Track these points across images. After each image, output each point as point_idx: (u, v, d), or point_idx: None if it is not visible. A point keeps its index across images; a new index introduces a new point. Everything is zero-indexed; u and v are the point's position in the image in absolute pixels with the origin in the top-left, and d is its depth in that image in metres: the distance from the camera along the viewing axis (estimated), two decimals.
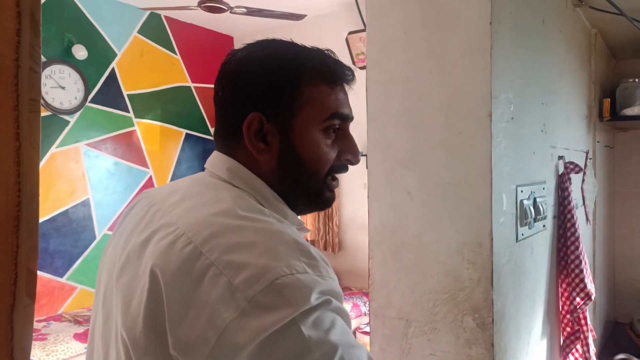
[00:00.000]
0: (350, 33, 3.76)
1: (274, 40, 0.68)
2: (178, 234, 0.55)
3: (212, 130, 5.05)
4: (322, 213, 4.58)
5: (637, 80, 1.82)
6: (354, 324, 3.90)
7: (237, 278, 0.50)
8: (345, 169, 0.70)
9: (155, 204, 0.64)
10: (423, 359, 0.98)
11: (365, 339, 3.23)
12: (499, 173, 0.92)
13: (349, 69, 0.68)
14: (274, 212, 0.63)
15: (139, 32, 4.18)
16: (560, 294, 1.39)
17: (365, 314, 3.85)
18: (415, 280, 0.99)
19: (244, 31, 4.95)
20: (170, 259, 0.53)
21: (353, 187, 4.47)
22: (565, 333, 1.41)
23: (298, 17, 3.40)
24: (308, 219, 4.66)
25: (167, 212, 0.60)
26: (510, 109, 0.97)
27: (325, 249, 4.61)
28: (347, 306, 3.98)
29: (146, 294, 0.53)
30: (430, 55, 0.94)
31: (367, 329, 2.86)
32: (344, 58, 3.76)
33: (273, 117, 0.63)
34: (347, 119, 0.68)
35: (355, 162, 0.69)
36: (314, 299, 0.50)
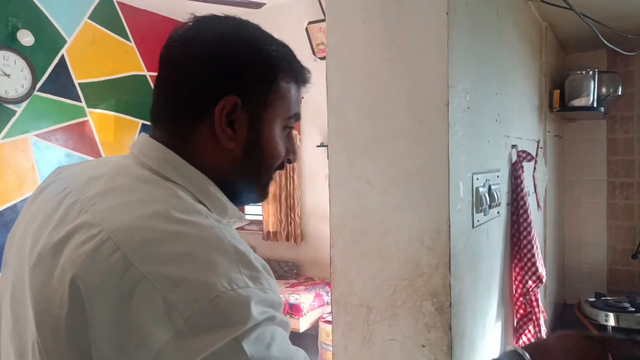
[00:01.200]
0: (310, 23, 3.74)
1: (241, 21, 0.64)
2: (102, 238, 0.49)
3: None
4: (284, 204, 4.57)
5: (584, 72, 1.90)
6: (317, 313, 3.93)
7: (172, 294, 0.45)
8: (283, 167, 0.70)
9: (71, 192, 0.58)
10: (384, 344, 1.00)
11: (328, 328, 3.27)
12: (456, 161, 0.95)
13: (309, 71, 0.69)
14: (213, 207, 0.60)
15: (90, 17, 4.00)
16: (513, 278, 1.45)
17: (328, 303, 3.89)
18: (376, 268, 1.00)
19: None
20: (93, 269, 0.47)
21: (315, 177, 4.48)
22: (518, 315, 1.47)
23: (257, 5, 3.35)
24: (270, 210, 4.65)
25: (87, 207, 0.54)
26: (466, 99, 1.00)
27: (287, 239, 4.61)
28: (310, 296, 4.00)
29: (67, 307, 0.47)
30: (389, 45, 0.95)
31: (330, 318, 2.89)
32: (305, 48, 3.75)
33: (247, 105, 0.60)
34: (299, 120, 0.69)
35: (294, 161, 0.70)
36: (256, 314, 0.48)
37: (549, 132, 1.95)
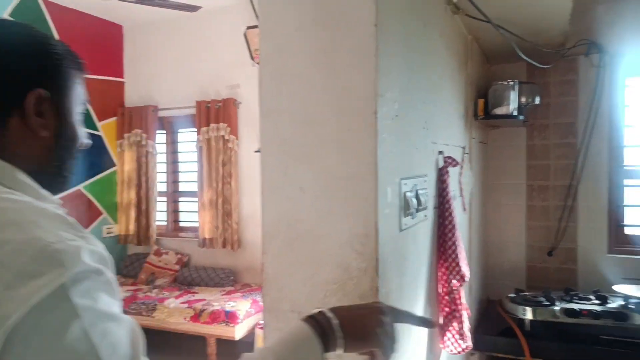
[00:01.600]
0: (248, 28, 3.71)
1: (25, 24, 0.70)
2: None
3: (98, 124, 4.72)
4: (221, 210, 4.49)
5: (505, 82, 2.03)
6: (254, 320, 3.89)
7: None
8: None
9: None
10: None
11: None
12: (384, 167, 0.98)
13: (83, 61, 0.76)
14: (26, 194, 0.62)
15: (11, 15, 3.73)
16: (439, 278, 1.52)
17: None
18: (308, 273, 1.01)
19: (134, 21, 4.65)
20: None
21: (252, 183, 4.44)
22: (444, 313, 1.55)
23: (193, 8, 3.28)
24: (206, 217, 4.55)
25: None
26: (395, 107, 1.04)
27: (224, 246, 4.54)
28: (247, 303, 3.96)
29: None
30: (321, 54, 0.97)
31: None
32: (243, 53, 3.70)
33: (52, 95, 0.67)
34: (86, 105, 0.77)
35: (87, 145, 0.77)
36: (87, 260, 0.51)
37: (474, 138, 2.06)
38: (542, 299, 2.14)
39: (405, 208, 1.12)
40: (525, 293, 2.25)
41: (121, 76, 4.96)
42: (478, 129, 2.22)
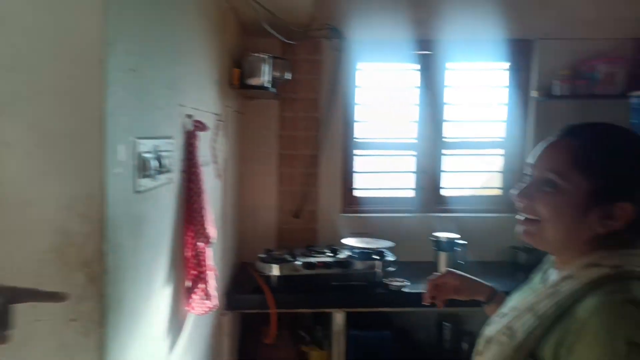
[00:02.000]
0: None
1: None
2: None
3: None
4: None
5: (259, 55, 2.13)
6: None
7: None
8: None
9: None
10: (27, 326, 0.89)
11: None
12: (114, 123, 0.91)
13: None
14: None
15: None
16: (186, 242, 1.52)
17: None
18: (17, 243, 0.87)
19: None
20: None
21: None
22: (191, 276, 1.56)
23: None
24: None
25: None
26: (129, 59, 0.96)
27: None
28: None
29: None
30: None
31: None
32: None
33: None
34: None
35: None
36: None
37: (228, 107, 2.10)
38: (287, 256, 2.36)
39: (142, 169, 1.07)
40: (273, 252, 2.45)
41: None
42: (234, 98, 2.28)
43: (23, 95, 0.83)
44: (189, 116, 1.47)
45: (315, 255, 2.40)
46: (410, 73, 2.76)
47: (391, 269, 2.33)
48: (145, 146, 1.09)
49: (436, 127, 2.78)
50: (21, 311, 0.89)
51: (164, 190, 1.27)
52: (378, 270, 2.30)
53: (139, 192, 1.06)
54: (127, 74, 0.96)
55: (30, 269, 0.88)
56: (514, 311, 0.88)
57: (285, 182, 2.75)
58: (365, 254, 2.34)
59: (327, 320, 2.36)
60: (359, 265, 2.30)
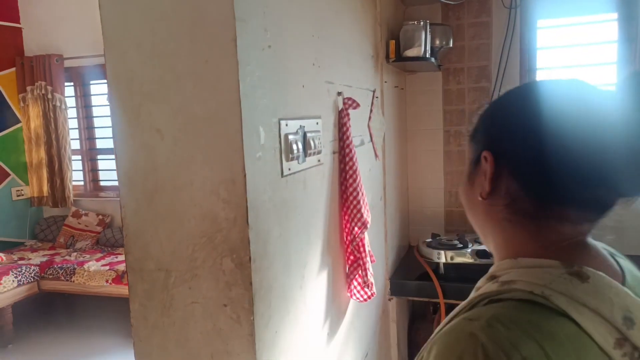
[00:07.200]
0: None
1: None
2: None
3: None
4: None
5: (416, 22, 1.95)
6: None
7: None
8: None
9: None
10: (185, 308, 0.92)
11: None
12: (253, 105, 0.87)
13: None
14: None
15: None
16: (343, 226, 1.46)
17: None
18: (172, 227, 0.90)
19: None
20: None
21: None
22: (349, 261, 1.50)
23: None
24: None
25: None
26: (265, 36, 0.91)
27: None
28: None
29: None
30: None
31: None
32: None
33: None
34: None
35: None
36: None
37: (386, 82, 1.98)
38: (456, 242, 2.17)
39: (288, 152, 1.02)
40: (440, 237, 2.28)
41: (17, 21, 4.41)
42: (392, 73, 2.14)
43: (166, 81, 0.84)
44: (339, 93, 1.39)
45: None
46: (606, 27, 2.24)
47: None
48: (290, 127, 1.04)
49: None
50: (180, 292, 0.92)
51: (314, 173, 1.21)
52: None
53: (284, 176, 1.02)
54: (263, 52, 0.91)
55: (185, 253, 0.91)
56: None
57: (452, 161, 2.52)
58: None
59: None
60: None
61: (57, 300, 4.11)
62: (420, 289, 2.10)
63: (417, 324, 2.50)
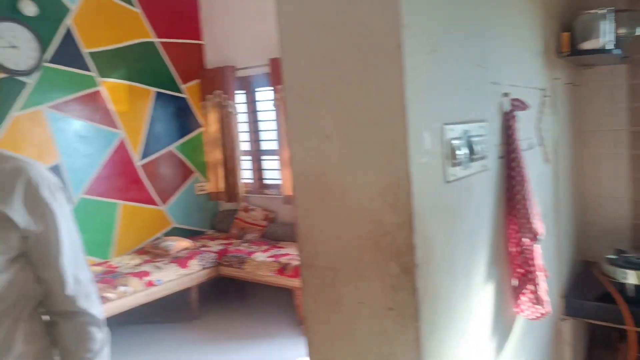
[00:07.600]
0: None
1: None
2: None
3: (182, 87, 4.91)
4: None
5: (595, 11, 1.72)
6: None
7: None
8: None
9: None
10: (352, 307, 0.96)
11: None
12: (418, 110, 0.87)
13: None
14: None
15: None
16: (509, 236, 1.37)
17: None
18: (340, 228, 0.95)
19: None
20: None
21: None
22: (517, 275, 1.40)
23: None
24: (288, 175, 4.64)
25: None
26: (431, 41, 0.90)
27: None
28: None
29: None
30: None
31: None
32: None
33: None
34: None
35: None
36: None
37: (558, 79, 1.80)
38: None
39: (452, 157, 1.00)
40: (627, 255, 1.98)
41: (199, 38, 5.08)
42: (565, 68, 1.93)
43: (334, 88, 0.89)
44: (506, 95, 1.31)
45: None
46: None
47: None
48: (454, 132, 1.01)
49: None
50: (347, 291, 0.96)
51: (478, 179, 1.16)
52: None
53: (448, 181, 1.00)
54: (428, 56, 0.90)
55: (352, 254, 0.94)
56: None
57: None
58: None
59: None
60: None
61: (232, 284, 4.61)
62: (600, 311, 1.86)
63: (596, 349, 2.21)
